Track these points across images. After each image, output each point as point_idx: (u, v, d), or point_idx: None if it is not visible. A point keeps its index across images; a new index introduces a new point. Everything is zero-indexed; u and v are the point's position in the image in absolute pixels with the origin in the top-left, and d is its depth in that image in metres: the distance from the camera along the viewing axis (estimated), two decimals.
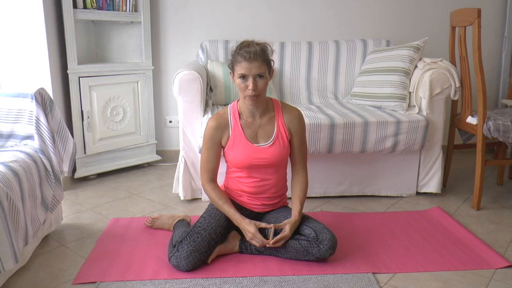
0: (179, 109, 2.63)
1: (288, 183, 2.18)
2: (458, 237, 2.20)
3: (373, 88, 2.87)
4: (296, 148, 2.06)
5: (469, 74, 2.63)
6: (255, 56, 1.86)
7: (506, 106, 3.01)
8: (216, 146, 2.02)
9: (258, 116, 2.02)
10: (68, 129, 2.17)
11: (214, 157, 2.03)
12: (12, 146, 2.03)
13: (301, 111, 2.11)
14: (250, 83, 1.87)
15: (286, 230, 1.91)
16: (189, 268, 1.87)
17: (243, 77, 1.89)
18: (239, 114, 2.03)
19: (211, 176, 2.05)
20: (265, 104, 2.02)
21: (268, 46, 1.95)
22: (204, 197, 2.66)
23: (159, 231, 2.25)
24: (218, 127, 2.01)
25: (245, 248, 2.01)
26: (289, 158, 2.11)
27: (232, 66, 1.94)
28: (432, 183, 2.74)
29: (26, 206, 1.76)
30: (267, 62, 1.91)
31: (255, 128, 2.02)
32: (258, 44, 1.91)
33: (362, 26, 3.46)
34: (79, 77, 2.91)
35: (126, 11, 3.11)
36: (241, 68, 1.88)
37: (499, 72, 3.65)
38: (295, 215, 1.97)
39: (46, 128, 2.02)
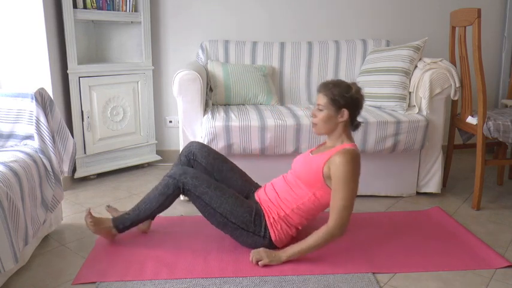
0: (179, 109, 2.63)
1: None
2: (458, 237, 2.20)
3: (373, 88, 2.87)
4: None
5: (469, 74, 2.63)
6: (322, 87, 1.97)
7: (506, 106, 3.00)
8: None
9: (324, 146, 2.08)
10: (68, 129, 2.17)
11: None
12: (12, 146, 2.03)
13: (349, 159, 1.87)
14: (312, 110, 2.02)
15: (250, 256, 1.93)
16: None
17: None
18: None
19: None
20: (333, 141, 2.01)
21: (350, 91, 1.93)
22: None
23: (159, 231, 2.24)
24: None
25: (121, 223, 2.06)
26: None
27: None
28: (432, 183, 2.74)
29: (26, 206, 1.76)
30: (331, 98, 1.92)
31: (317, 150, 2.10)
32: (340, 82, 1.97)
33: (362, 26, 3.46)
34: (79, 77, 2.91)
35: (126, 11, 3.11)
36: None
37: (499, 72, 3.65)
38: (280, 252, 1.93)
39: (46, 128, 2.02)
